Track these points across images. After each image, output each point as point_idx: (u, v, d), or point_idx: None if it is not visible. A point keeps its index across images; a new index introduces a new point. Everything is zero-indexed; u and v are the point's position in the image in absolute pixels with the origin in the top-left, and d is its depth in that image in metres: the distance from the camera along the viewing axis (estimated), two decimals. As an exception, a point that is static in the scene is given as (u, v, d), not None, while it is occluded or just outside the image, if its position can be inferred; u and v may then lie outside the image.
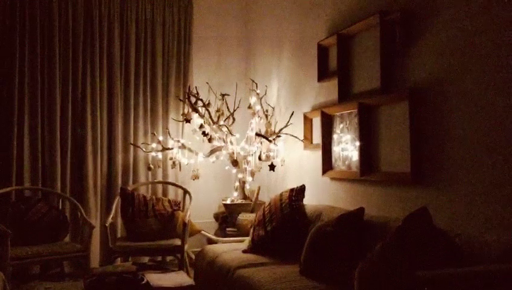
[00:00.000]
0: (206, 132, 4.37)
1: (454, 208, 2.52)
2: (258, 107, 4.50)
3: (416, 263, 2.48)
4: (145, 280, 3.15)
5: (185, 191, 4.60)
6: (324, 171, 3.67)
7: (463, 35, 2.49)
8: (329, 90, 3.68)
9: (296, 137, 4.07)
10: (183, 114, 4.67)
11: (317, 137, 3.90)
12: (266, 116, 4.43)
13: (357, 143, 3.26)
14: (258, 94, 4.52)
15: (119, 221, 4.46)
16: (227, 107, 4.48)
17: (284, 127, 4.17)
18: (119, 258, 4.21)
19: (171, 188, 4.79)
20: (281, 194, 3.57)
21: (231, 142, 4.41)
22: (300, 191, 3.51)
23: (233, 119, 4.47)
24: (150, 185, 4.74)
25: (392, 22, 2.98)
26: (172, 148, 4.51)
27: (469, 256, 2.39)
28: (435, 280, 2.17)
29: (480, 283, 2.22)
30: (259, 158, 4.30)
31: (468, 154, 2.44)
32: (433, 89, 2.67)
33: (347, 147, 3.43)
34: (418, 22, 2.79)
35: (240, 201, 4.38)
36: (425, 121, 2.71)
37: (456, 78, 2.52)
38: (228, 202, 4.39)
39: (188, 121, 4.45)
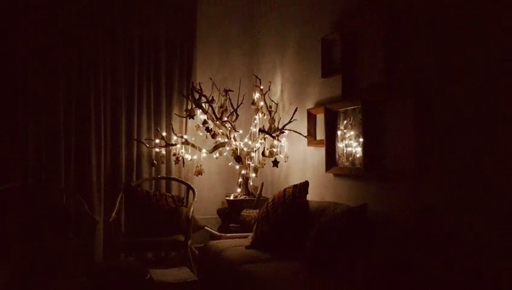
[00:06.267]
0: (210, 128, 4.38)
1: (459, 205, 2.51)
2: (261, 103, 4.49)
3: (418, 260, 2.48)
4: (148, 276, 3.16)
5: (189, 187, 4.61)
6: (328, 168, 3.66)
7: (466, 32, 2.47)
8: (333, 86, 3.67)
9: (299, 133, 4.06)
10: (186, 110, 4.67)
11: (320, 133, 3.89)
12: (270, 112, 4.42)
13: (361, 139, 3.25)
14: (261, 90, 4.52)
15: (123, 217, 4.46)
16: (231, 103, 4.48)
17: (287, 123, 4.16)
18: (122, 254, 4.22)
19: (174, 184, 4.80)
20: (285, 191, 3.56)
21: (234, 138, 4.41)
22: (303, 187, 3.50)
23: (237, 115, 4.47)
24: (153, 181, 4.75)
25: (397, 18, 2.96)
26: (175, 144, 4.51)
27: (474, 253, 2.38)
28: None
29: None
30: (263, 154, 4.30)
31: (472, 151, 2.43)
32: (439, 84, 2.65)
33: (351, 143, 3.42)
34: (423, 17, 2.78)
35: (243, 197, 4.38)
36: (430, 117, 2.70)
37: (461, 73, 2.51)
38: (231, 198, 4.39)
39: (191, 116, 4.45)
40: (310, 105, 4.04)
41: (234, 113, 4.46)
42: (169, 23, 4.81)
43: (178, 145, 4.51)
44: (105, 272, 3.09)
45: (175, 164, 4.58)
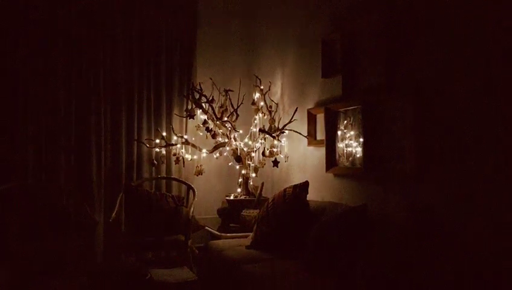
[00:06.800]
0: (210, 128, 4.38)
1: (459, 205, 2.51)
2: (261, 103, 4.49)
3: (418, 260, 2.48)
4: (148, 276, 3.16)
5: (189, 187, 4.61)
6: (328, 168, 3.66)
7: (466, 32, 2.47)
8: (334, 86, 3.67)
9: (299, 133, 4.06)
10: (186, 110, 4.67)
11: (321, 133, 3.89)
12: (270, 112, 4.42)
13: (361, 139, 3.25)
14: (261, 90, 4.52)
15: (123, 217, 4.46)
16: (231, 103, 4.48)
17: (287, 123, 4.16)
18: (122, 254, 4.22)
19: (174, 184, 4.80)
20: (285, 191, 3.56)
21: (235, 138, 4.41)
22: (303, 187, 3.50)
23: (237, 115, 4.47)
24: (153, 181, 4.75)
25: (397, 18, 2.97)
26: (176, 144, 4.51)
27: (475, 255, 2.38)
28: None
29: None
30: (263, 154, 4.30)
31: (472, 151, 2.43)
32: (439, 84, 2.65)
33: (351, 144, 3.42)
34: (423, 17, 2.78)
35: (243, 197, 4.38)
36: (430, 117, 2.70)
37: (461, 73, 2.51)
38: (232, 197, 4.39)
39: (191, 116, 4.45)
40: (310, 105, 4.04)
41: (234, 113, 4.46)
42: (170, 23, 4.81)
43: (178, 145, 4.51)
44: (105, 272, 3.09)
45: (175, 163, 4.58)
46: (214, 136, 4.42)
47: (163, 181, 4.79)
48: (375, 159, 3.16)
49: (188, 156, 4.55)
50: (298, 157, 4.25)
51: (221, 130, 4.45)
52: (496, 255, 2.28)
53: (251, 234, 3.62)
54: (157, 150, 4.57)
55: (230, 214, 4.32)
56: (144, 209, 4.17)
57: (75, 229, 4.28)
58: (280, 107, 4.54)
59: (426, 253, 2.60)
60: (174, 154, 4.53)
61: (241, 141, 4.46)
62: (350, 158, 3.43)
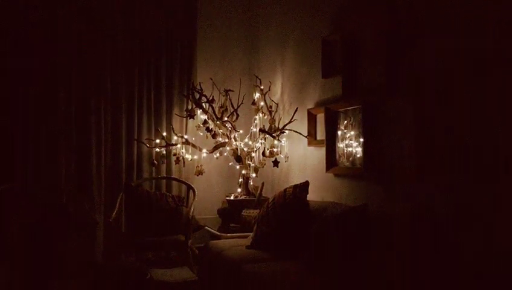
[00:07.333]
0: (210, 128, 4.38)
1: (459, 205, 2.51)
2: (261, 103, 4.49)
3: (418, 260, 2.48)
4: (148, 276, 3.17)
5: (189, 187, 4.61)
6: (328, 168, 3.66)
7: (466, 32, 2.47)
8: (334, 86, 3.67)
9: (300, 133, 4.06)
10: (186, 110, 4.67)
11: (321, 133, 3.89)
12: (270, 112, 4.42)
13: (361, 139, 3.25)
14: (261, 90, 4.52)
15: (123, 216, 4.46)
16: (231, 103, 4.48)
17: (288, 123, 4.16)
18: (122, 254, 4.22)
19: (174, 184, 4.80)
20: (285, 191, 3.56)
21: (235, 138, 4.41)
22: (303, 187, 3.50)
23: (237, 115, 4.47)
24: (153, 181, 4.75)
25: (397, 18, 2.96)
26: (176, 144, 4.51)
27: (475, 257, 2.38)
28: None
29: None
30: (263, 154, 4.30)
31: (472, 151, 2.43)
32: (439, 84, 2.65)
33: (351, 144, 3.42)
34: (423, 17, 2.78)
35: (243, 197, 4.38)
36: (430, 117, 2.70)
37: (461, 73, 2.51)
38: (232, 198, 4.39)
39: (191, 116, 4.46)
40: (310, 105, 4.04)
41: (234, 113, 4.46)
42: (170, 23, 4.81)
43: (178, 145, 4.51)
44: (105, 272, 3.09)
45: (175, 163, 4.58)
46: (214, 136, 4.42)
47: (163, 181, 4.79)
48: (375, 159, 3.16)
49: (188, 156, 4.55)
50: (298, 157, 4.25)
51: (221, 130, 4.45)
52: (496, 255, 2.28)
53: (251, 234, 3.62)
54: (157, 149, 4.57)
55: (230, 214, 4.31)
56: (144, 209, 4.18)
57: (75, 229, 4.28)
58: (280, 107, 4.54)
59: (426, 253, 2.59)
60: (174, 154, 4.52)
61: (241, 141, 4.46)
62: (350, 158, 3.43)
